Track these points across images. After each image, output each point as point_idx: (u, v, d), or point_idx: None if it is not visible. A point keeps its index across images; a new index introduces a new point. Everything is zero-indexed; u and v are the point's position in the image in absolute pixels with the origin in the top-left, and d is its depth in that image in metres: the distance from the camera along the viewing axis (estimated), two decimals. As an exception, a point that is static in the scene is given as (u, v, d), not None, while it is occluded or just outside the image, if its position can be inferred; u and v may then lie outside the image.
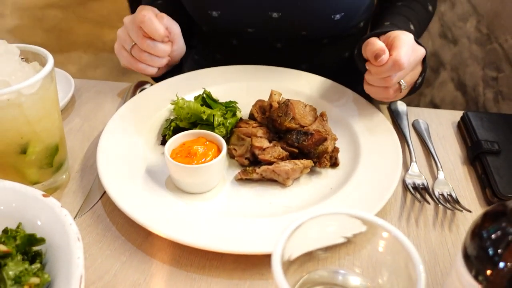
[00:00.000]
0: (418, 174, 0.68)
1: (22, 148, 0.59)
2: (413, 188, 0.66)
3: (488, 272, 0.35)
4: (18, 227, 0.51)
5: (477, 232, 0.36)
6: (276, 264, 0.37)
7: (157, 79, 0.89)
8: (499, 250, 0.34)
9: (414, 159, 0.70)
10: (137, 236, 0.59)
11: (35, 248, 0.49)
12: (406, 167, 0.70)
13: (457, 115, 0.82)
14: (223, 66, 0.88)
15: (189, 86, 0.82)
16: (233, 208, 0.62)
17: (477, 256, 0.36)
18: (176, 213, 0.59)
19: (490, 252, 0.35)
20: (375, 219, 0.40)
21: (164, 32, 0.75)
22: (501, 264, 0.34)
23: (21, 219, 0.52)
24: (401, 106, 0.83)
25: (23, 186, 0.55)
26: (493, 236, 0.35)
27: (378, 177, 0.64)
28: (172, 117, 0.76)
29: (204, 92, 0.76)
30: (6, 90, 0.53)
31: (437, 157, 0.71)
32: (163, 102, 0.79)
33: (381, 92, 0.72)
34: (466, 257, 0.37)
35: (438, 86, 1.47)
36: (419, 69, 0.73)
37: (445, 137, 0.78)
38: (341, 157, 0.69)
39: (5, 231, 0.50)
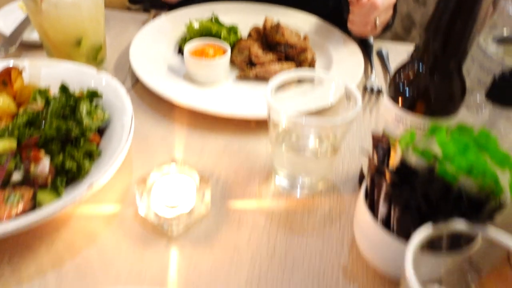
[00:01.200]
0: (374, 81, 0.89)
1: (78, 40, 0.78)
2: (370, 90, 0.87)
3: (400, 99, 0.56)
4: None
5: (395, 77, 0.57)
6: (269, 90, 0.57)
7: (171, 7, 1.08)
8: (405, 82, 0.55)
9: (373, 72, 0.92)
10: (161, 109, 0.79)
11: (95, 101, 0.69)
12: (367, 77, 0.91)
13: (412, 46, 1.03)
14: (227, 2, 1.07)
15: (198, 14, 1.01)
16: (235, 92, 0.83)
17: (395, 91, 0.57)
18: (192, 92, 0.79)
19: (400, 88, 0.56)
20: (330, 75, 0.61)
21: None
22: (408, 93, 0.55)
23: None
24: (370, 39, 1.04)
25: (81, 65, 0.75)
26: (401, 75, 0.56)
27: (346, 80, 0.85)
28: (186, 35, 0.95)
29: (213, 15, 0.95)
30: (73, -9, 0.72)
31: (390, 72, 0.92)
32: (178, 25, 0.98)
33: (361, 28, 0.92)
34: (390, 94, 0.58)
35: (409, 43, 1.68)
36: (390, 11, 0.93)
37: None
38: (318, 67, 0.90)
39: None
